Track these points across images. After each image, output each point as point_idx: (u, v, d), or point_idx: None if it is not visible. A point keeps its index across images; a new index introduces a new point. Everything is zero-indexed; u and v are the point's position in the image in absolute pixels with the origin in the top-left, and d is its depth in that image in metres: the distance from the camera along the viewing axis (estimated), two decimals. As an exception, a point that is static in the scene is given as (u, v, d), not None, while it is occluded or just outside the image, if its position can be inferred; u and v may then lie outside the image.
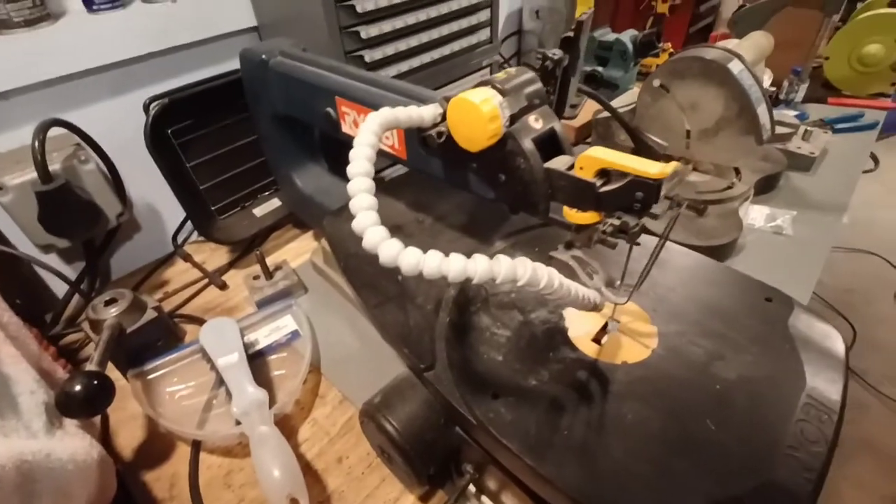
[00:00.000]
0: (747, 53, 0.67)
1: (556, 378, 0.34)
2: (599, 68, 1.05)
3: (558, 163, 0.32)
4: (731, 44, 0.72)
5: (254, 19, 0.71)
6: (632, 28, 1.05)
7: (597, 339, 0.37)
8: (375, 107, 0.32)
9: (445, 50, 0.75)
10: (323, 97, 0.46)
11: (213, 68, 0.70)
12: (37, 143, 0.50)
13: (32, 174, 0.52)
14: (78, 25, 0.58)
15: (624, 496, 0.28)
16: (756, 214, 0.72)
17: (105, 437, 0.50)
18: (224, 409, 0.49)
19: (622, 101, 0.90)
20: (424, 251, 0.25)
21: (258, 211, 0.73)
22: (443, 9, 0.71)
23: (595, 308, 0.32)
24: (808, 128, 0.83)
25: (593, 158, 0.29)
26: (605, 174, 0.30)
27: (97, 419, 0.50)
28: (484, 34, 0.81)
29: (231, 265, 0.71)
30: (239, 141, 0.69)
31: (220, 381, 0.50)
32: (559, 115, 0.49)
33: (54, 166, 0.54)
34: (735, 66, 0.64)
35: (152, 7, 0.63)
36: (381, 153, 0.44)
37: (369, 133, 0.28)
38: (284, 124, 0.59)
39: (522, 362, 0.35)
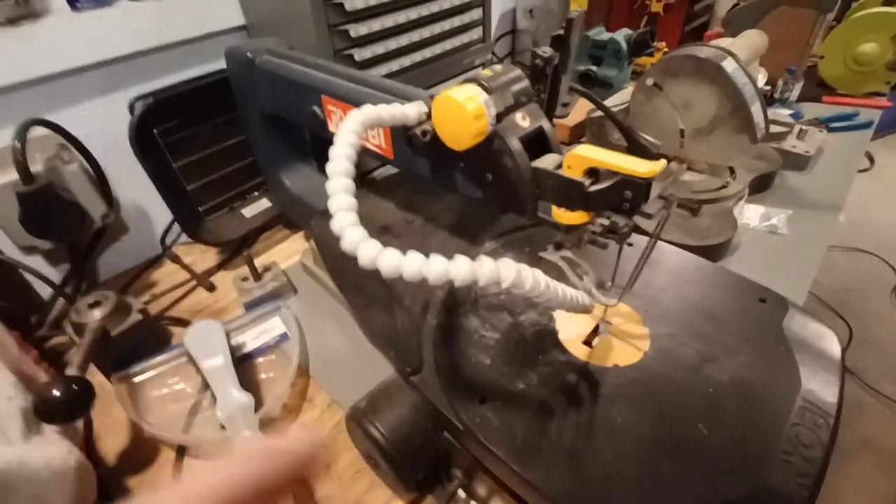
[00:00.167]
0: (741, 52, 0.67)
1: (546, 382, 0.33)
2: (594, 67, 1.05)
3: (546, 161, 0.31)
4: (725, 42, 0.72)
5: (242, 18, 0.70)
6: (626, 27, 1.04)
7: (588, 342, 0.36)
8: (361, 105, 0.32)
9: (437, 49, 0.74)
10: (309, 95, 0.45)
11: (201, 68, 0.69)
12: (17, 144, 0.48)
13: (14, 175, 0.50)
14: (62, 24, 0.57)
15: (613, 502, 0.27)
16: (751, 214, 0.72)
17: (88, 443, 0.49)
18: (210, 413, 0.48)
19: (616, 101, 0.89)
20: (412, 252, 0.24)
21: (247, 212, 0.72)
22: (433, 7, 0.70)
23: (585, 310, 0.31)
24: (803, 127, 0.83)
25: (581, 157, 0.28)
26: (594, 173, 0.30)
27: (80, 424, 0.49)
28: (476, 33, 0.81)
29: (220, 267, 0.70)
30: (227, 141, 0.68)
31: (207, 385, 0.49)
32: (550, 113, 0.48)
33: (36, 167, 0.53)
34: (729, 65, 0.63)
35: (138, 5, 0.62)
36: (367, 153, 0.44)
37: (350, 132, 0.28)
38: (273, 124, 0.58)
39: (511, 366, 0.34)
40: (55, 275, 0.65)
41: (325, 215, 0.56)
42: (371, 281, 0.43)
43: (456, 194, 0.38)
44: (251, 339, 0.56)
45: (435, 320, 0.38)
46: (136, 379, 0.52)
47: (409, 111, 0.32)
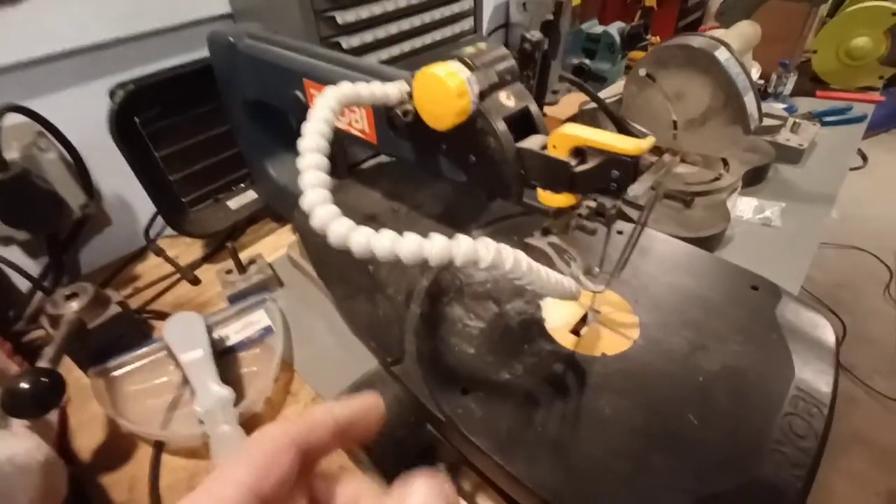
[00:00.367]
0: (734, 42, 0.66)
1: (531, 372, 0.32)
2: (587, 61, 1.04)
3: (531, 142, 0.30)
4: (718, 33, 0.71)
5: (228, 6, 0.69)
6: (620, 21, 1.04)
7: (576, 331, 0.35)
8: (341, 85, 0.30)
9: (427, 39, 0.73)
10: (291, 80, 0.44)
11: (185, 56, 0.67)
12: (-10, 129, 0.47)
13: (-13, 162, 0.49)
14: (40, 8, 0.55)
15: (599, 495, 0.26)
16: (744, 206, 0.71)
17: (64, 438, 0.47)
18: (190, 408, 0.47)
19: (609, 92, 0.88)
20: (385, 230, 0.22)
21: (233, 203, 0.70)
22: (423, -5, 0.69)
23: (571, 296, 0.30)
24: (797, 120, 0.82)
25: (567, 136, 0.27)
26: (581, 154, 0.29)
27: (55, 419, 0.47)
28: (467, 23, 0.79)
29: (205, 260, 0.69)
30: (212, 130, 0.66)
31: (187, 379, 0.47)
32: (540, 100, 0.47)
33: (11, 154, 0.51)
34: (721, 54, 0.62)
35: (119, -10, 0.60)
36: (351, 138, 0.42)
37: (325, 108, 0.26)
38: (257, 111, 0.57)
39: (495, 355, 0.33)
40: (34, 267, 0.63)
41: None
42: (354, 270, 0.41)
43: (443, 182, 0.36)
44: (234, 333, 0.55)
45: (419, 309, 0.37)
46: (115, 373, 0.51)
47: (390, 90, 0.31)
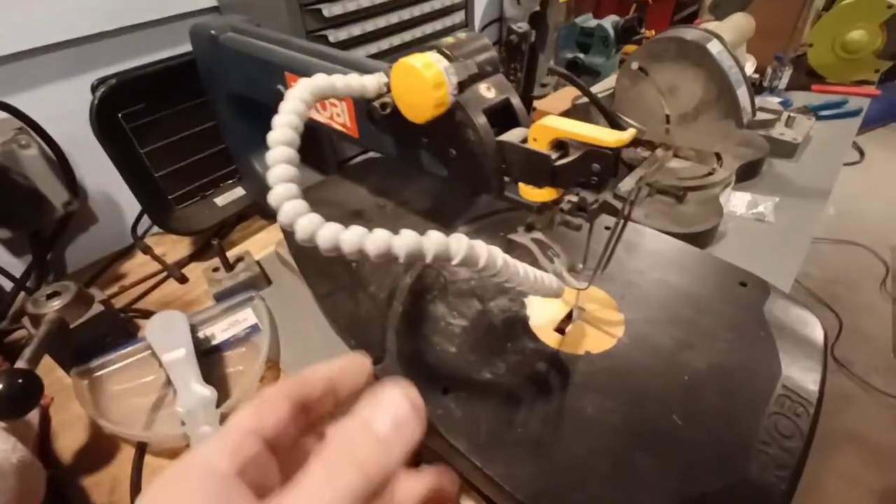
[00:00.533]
0: (727, 34, 0.65)
1: (513, 371, 0.31)
2: (581, 55, 1.03)
3: (512, 135, 0.29)
4: (711, 25, 0.70)
5: (214, -1, 0.68)
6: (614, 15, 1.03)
7: (560, 329, 0.35)
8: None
9: (416, 32, 0.72)
10: (273, 73, 0.43)
11: (172, 50, 0.67)
12: (-34, 125, 0.46)
13: (-36, 158, 0.48)
14: (20, 1, 0.54)
15: (580, 497, 0.25)
16: (738, 201, 0.70)
17: (45, 439, 0.47)
18: (173, 408, 0.46)
19: (603, 87, 0.87)
20: (354, 227, 0.22)
21: (220, 200, 0.69)
22: (411, -13, 0.68)
23: (554, 293, 0.29)
24: (792, 114, 0.81)
25: (547, 127, 0.26)
26: (563, 147, 0.28)
27: (35, 420, 0.46)
28: (458, 17, 0.78)
29: (192, 258, 0.68)
30: (198, 126, 0.65)
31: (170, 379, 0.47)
32: (528, 93, 0.46)
33: (-10, 151, 0.50)
34: (714, 47, 0.61)
35: (102, -17, 0.59)
36: (333, 132, 0.41)
37: (296, 100, 0.26)
38: (242, 106, 0.56)
39: (478, 354, 0.32)
40: (18, 266, 0.62)
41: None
42: (337, 267, 0.41)
43: (430, 178, 0.36)
44: (220, 332, 0.54)
45: (401, 307, 0.36)
46: (98, 373, 0.50)
47: (368, 82, 0.30)
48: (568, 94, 0.92)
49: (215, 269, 0.61)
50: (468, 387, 0.30)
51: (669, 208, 0.65)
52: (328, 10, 0.59)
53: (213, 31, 0.49)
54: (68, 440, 0.47)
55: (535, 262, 0.31)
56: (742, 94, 0.62)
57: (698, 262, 0.39)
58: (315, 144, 0.64)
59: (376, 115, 0.31)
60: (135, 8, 0.62)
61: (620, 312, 0.35)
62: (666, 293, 0.36)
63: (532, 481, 0.25)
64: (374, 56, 0.68)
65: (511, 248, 0.33)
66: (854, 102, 0.90)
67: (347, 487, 0.14)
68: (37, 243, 0.60)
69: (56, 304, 0.49)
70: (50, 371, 0.52)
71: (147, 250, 0.69)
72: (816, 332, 0.33)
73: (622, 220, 0.28)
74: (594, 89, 0.82)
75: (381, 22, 0.66)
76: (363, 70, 0.36)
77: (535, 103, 0.85)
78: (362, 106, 0.35)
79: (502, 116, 0.30)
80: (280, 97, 0.44)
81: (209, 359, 0.51)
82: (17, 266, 0.62)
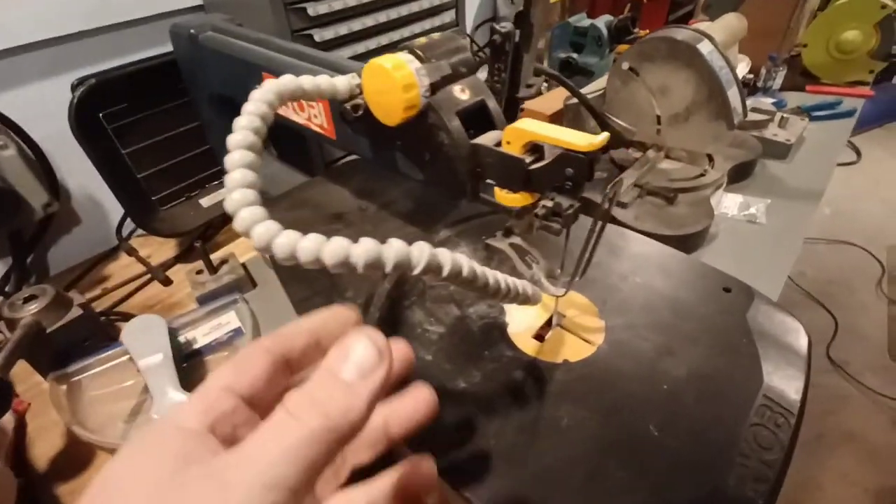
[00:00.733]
0: (719, 35, 0.64)
1: (489, 379, 0.31)
2: (574, 55, 1.02)
3: (487, 138, 0.29)
4: (703, 25, 0.69)
5: (198, -3, 0.67)
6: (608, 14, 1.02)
7: (540, 336, 0.34)
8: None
9: (405, 32, 0.71)
10: (251, 73, 0.42)
11: (154, 50, 0.66)
12: (-60, 126, 0.45)
13: (-62, 160, 0.47)
14: (-2, -1, 0.54)
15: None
16: (729, 203, 0.70)
17: (20, 445, 0.46)
18: (149, 415, 0.45)
19: (595, 87, 0.87)
20: (313, 234, 0.21)
21: (205, 201, 0.69)
22: (400, -14, 0.67)
23: (528, 301, 0.28)
24: (785, 115, 0.80)
25: (520, 130, 0.26)
26: (538, 150, 0.27)
27: (9, 426, 0.46)
28: (448, 16, 0.78)
29: (177, 259, 0.67)
30: (182, 126, 0.64)
31: (148, 385, 0.46)
32: (513, 94, 0.45)
33: (-34, 152, 0.49)
34: (705, 47, 0.60)
35: (83, -19, 0.58)
36: (311, 134, 0.41)
37: (260, 101, 0.25)
38: (224, 106, 0.55)
39: (453, 363, 0.32)
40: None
41: (275, 204, 0.53)
42: (314, 272, 0.40)
43: (413, 180, 0.35)
44: (202, 336, 0.53)
45: (377, 313, 0.35)
46: (75, 378, 0.49)
47: (339, 83, 0.29)
48: (560, 95, 0.91)
49: (199, 272, 0.60)
50: (441, 397, 0.29)
51: (659, 210, 0.64)
52: (313, 9, 0.58)
53: (192, 31, 0.48)
54: (44, 447, 0.46)
55: (513, 268, 0.30)
56: (733, 94, 0.61)
57: (682, 266, 0.38)
58: (302, 145, 0.64)
59: (348, 116, 0.30)
60: (117, 6, 0.61)
61: (601, 318, 0.34)
62: (648, 298, 0.35)
63: (501, 497, 0.25)
64: (362, 56, 0.67)
65: (488, 253, 0.32)
66: (848, 103, 0.89)
67: (308, 432, 0.14)
68: (17, 245, 0.59)
69: (33, 307, 0.48)
70: (28, 376, 0.51)
71: (132, 252, 0.68)
72: (800, 340, 0.32)
73: (600, 224, 0.27)
74: (586, 89, 0.81)
75: (367, 21, 0.65)
76: (343, 71, 0.35)
77: (527, 104, 0.84)
78: (337, 107, 0.34)
79: (478, 119, 0.30)
80: (259, 98, 0.43)
81: (190, 364, 0.50)
82: (-3, 268, 0.61)
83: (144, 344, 0.46)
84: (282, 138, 0.62)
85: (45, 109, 0.59)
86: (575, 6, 1.17)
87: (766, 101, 0.89)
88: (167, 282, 0.64)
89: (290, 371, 0.18)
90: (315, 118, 0.39)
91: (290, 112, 0.41)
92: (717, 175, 0.68)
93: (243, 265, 0.62)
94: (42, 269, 0.67)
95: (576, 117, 0.82)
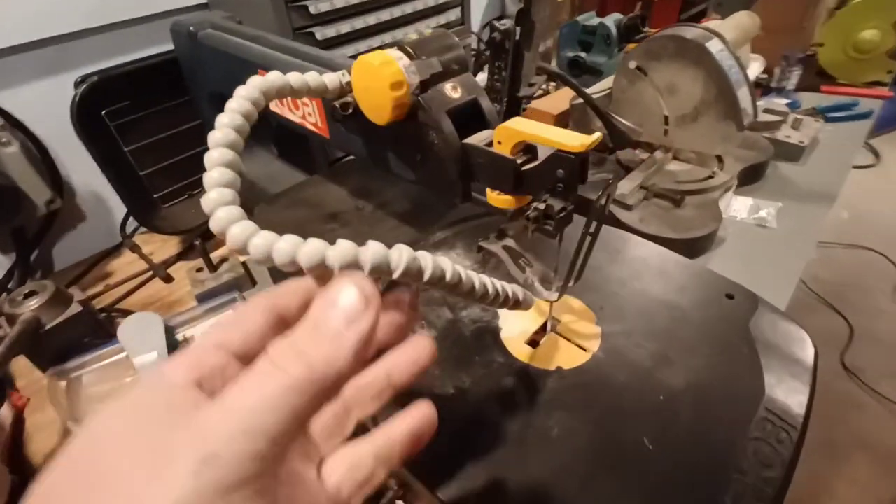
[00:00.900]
0: (729, 33, 0.62)
1: (478, 386, 0.30)
2: (583, 54, 1.01)
3: (478, 138, 0.28)
4: (713, 24, 0.68)
5: (203, -6, 0.67)
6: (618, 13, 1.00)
7: (534, 341, 0.33)
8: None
9: (409, 30, 0.70)
10: (248, 71, 0.42)
11: (157, 48, 0.66)
12: (-58, 122, 0.45)
13: (-59, 156, 0.47)
14: (1, -2, 0.54)
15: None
16: (739, 206, 0.68)
17: (18, 441, 0.46)
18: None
19: (602, 86, 0.85)
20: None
21: (207, 199, 0.68)
22: (405, -16, 0.67)
23: (519, 306, 0.27)
24: (799, 116, 0.78)
25: (511, 130, 0.25)
26: (531, 151, 0.26)
27: (7, 422, 0.46)
28: (454, 14, 0.77)
29: (179, 257, 0.67)
30: (185, 124, 0.64)
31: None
32: (514, 93, 0.44)
33: (-32, 148, 0.50)
34: (714, 46, 0.59)
35: (87, -21, 0.58)
36: (306, 132, 0.40)
37: (244, 98, 0.24)
38: (224, 104, 0.55)
39: (442, 368, 0.31)
40: (3, 264, 0.62)
41: (272, 203, 0.52)
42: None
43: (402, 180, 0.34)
44: (200, 334, 0.53)
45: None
46: (74, 374, 0.49)
47: (328, 80, 0.29)
48: (567, 95, 0.89)
49: (199, 270, 0.60)
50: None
51: (666, 212, 0.63)
52: (314, 7, 0.58)
53: (191, 28, 0.48)
54: (42, 443, 0.46)
55: (507, 272, 0.29)
56: (743, 94, 0.59)
57: (684, 272, 0.37)
58: (304, 145, 0.63)
59: (338, 115, 0.29)
60: (120, 5, 0.61)
61: (598, 325, 0.33)
62: (647, 304, 0.34)
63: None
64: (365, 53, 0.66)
65: (485, 256, 0.31)
66: (865, 104, 0.87)
67: (291, 381, 0.13)
68: (20, 241, 0.60)
69: (33, 303, 0.48)
70: (29, 371, 0.51)
71: (135, 249, 0.68)
72: (806, 351, 0.30)
73: (595, 227, 0.26)
74: (594, 89, 0.79)
75: (370, 19, 0.65)
76: (338, 69, 0.35)
77: (533, 103, 0.83)
78: (329, 105, 0.34)
79: (471, 118, 0.29)
80: (256, 95, 0.43)
81: (187, 362, 0.50)
82: (1, 264, 0.62)
83: (140, 341, 0.46)
84: (284, 137, 0.62)
85: (48, 107, 0.59)
86: (584, 4, 1.15)
87: (780, 102, 0.86)
88: (169, 279, 0.64)
89: (286, 328, 0.17)
90: (309, 116, 0.38)
91: (285, 110, 0.41)
92: (726, 177, 0.66)
93: (243, 264, 0.62)
94: (47, 265, 0.68)
95: (582, 117, 0.81)
